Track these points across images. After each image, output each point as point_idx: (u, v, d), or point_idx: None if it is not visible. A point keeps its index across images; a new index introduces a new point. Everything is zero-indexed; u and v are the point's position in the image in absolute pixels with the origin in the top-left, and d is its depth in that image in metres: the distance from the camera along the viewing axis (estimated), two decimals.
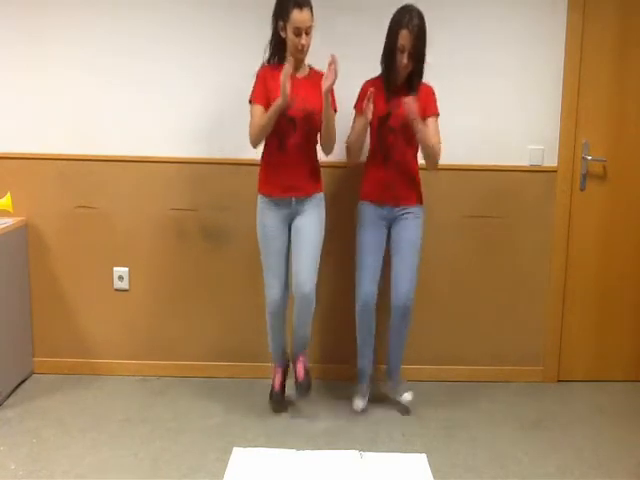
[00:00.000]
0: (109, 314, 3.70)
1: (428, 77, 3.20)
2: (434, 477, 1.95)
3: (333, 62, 2.90)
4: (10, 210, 3.44)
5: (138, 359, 3.73)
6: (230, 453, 2.06)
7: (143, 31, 3.48)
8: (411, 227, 3.22)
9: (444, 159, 3.40)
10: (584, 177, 3.66)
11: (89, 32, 3.48)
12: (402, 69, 3.08)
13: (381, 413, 3.36)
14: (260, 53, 3.23)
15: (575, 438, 3.19)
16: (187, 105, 3.54)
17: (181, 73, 3.52)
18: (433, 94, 3.19)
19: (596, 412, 3.47)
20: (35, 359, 3.73)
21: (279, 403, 3.32)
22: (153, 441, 3.05)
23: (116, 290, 3.69)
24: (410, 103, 3.00)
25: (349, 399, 3.39)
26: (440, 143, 3.17)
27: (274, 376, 3.37)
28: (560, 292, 3.73)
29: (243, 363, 3.72)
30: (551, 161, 3.63)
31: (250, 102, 3.08)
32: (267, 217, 3.14)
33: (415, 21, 3.02)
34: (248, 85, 3.23)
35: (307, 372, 3.29)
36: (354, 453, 2.07)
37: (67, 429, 3.14)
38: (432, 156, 3.16)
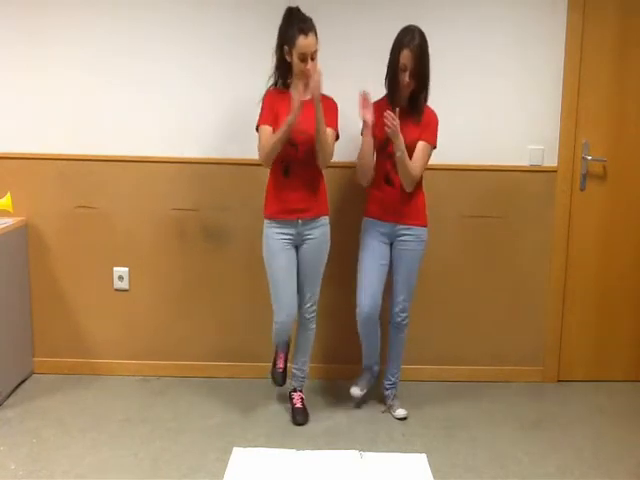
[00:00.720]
0: (109, 314, 3.70)
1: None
2: (434, 477, 1.95)
3: (315, 74, 2.92)
4: (10, 210, 3.44)
5: (138, 359, 3.73)
6: (230, 453, 2.06)
7: (143, 31, 3.48)
8: (411, 253, 3.22)
9: (444, 159, 3.42)
10: (584, 177, 3.66)
11: (89, 32, 3.48)
12: (404, 88, 3.09)
13: (381, 413, 3.36)
14: (260, 53, 3.23)
15: (575, 438, 3.19)
16: (187, 105, 3.54)
17: (181, 73, 3.52)
18: (436, 123, 3.16)
19: (596, 412, 3.47)
20: (35, 359, 3.73)
21: (282, 379, 3.30)
22: (153, 441, 3.05)
23: (116, 290, 3.69)
24: (390, 118, 2.95)
25: (349, 399, 3.39)
26: (420, 169, 3.12)
27: (276, 358, 3.34)
28: (560, 292, 3.73)
29: (243, 363, 3.72)
30: (551, 161, 3.63)
31: (257, 127, 3.07)
32: (273, 239, 3.12)
33: (416, 41, 3.03)
34: (249, 85, 3.25)
35: (304, 403, 3.32)
36: (354, 453, 2.07)
37: (67, 429, 3.14)
38: (406, 176, 3.09)
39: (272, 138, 2.99)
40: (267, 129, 3.04)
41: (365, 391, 3.38)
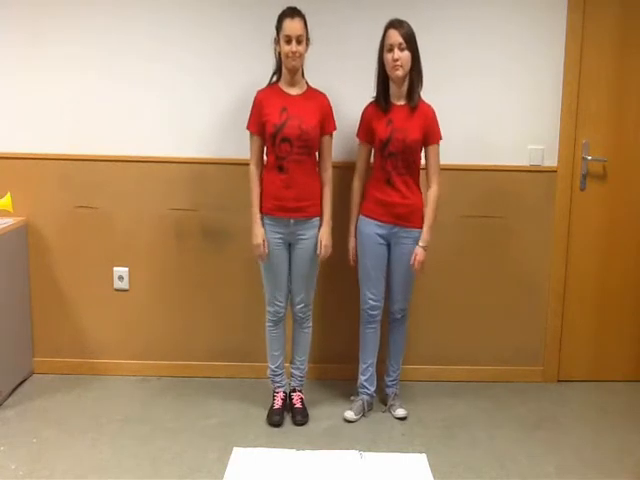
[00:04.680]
0: (109, 314, 3.70)
1: (428, 76, 3.19)
2: (434, 477, 1.95)
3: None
4: (10, 210, 3.44)
5: (138, 359, 3.73)
6: (230, 453, 2.06)
7: (143, 31, 3.48)
8: (410, 255, 3.20)
9: (444, 159, 3.41)
10: (584, 177, 3.66)
11: (89, 32, 3.48)
12: (392, 69, 3.06)
13: (381, 413, 3.36)
14: (260, 54, 3.25)
15: (575, 438, 3.19)
16: (187, 105, 3.54)
17: (180, 73, 3.52)
18: (435, 118, 3.17)
19: (596, 412, 3.47)
20: (35, 359, 3.73)
21: (278, 419, 3.23)
22: (153, 441, 3.05)
23: (116, 290, 3.69)
24: (419, 255, 3.16)
25: (349, 398, 3.39)
26: (438, 172, 3.18)
27: (275, 396, 3.31)
28: (560, 292, 3.73)
29: (243, 363, 3.72)
30: (551, 161, 3.63)
31: (247, 128, 3.15)
32: (267, 234, 3.15)
33: (404, 24, 3.05)
34: (248, 85, 3.25)
35: (304, 403, 3.31)
36: (354, 453, 2.07)
37: (67, 429, 3.14)
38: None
39: (251, 187, 3.17)
40: (255, 141, 3.14)
41: (360, 416, 3.29)
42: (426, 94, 3.19)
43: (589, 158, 3.63)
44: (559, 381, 3.80)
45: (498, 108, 3.57)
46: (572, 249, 3.71)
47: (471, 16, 3.49)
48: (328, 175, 3.20)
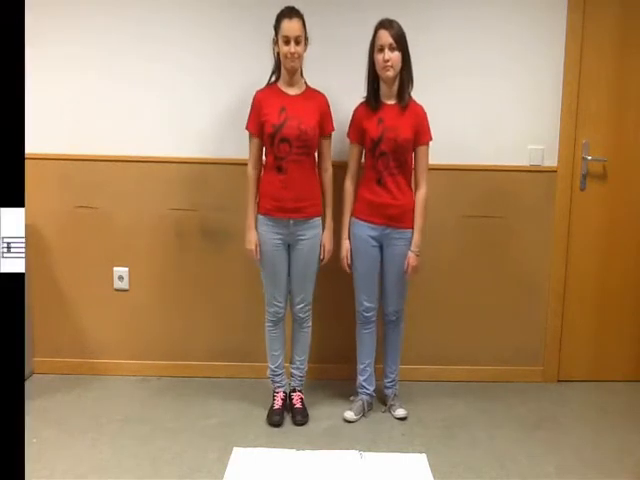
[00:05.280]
0: (109, 314, 3.70)
1: (427, 76, 3.19)
2: (434, 477, 1.95)
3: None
4: None
5: (138, 359, 3.73)
6: (230, 453, 2.07)
7: (143, 31, 3.48)
8: (403, 257, 3.19)
9: (444, 159, 3.42)
10: (584, 177, 3.66)
11: (89, 32, 3.48)
12: (383, 69, 3.05)
13: (381, 413, 3.36)
14: (260, 54, 3.25)
15: (575, 438, 3.18)
16: (187, 105, 3.54)
17: (181, 73, 3.52)
18: (426, 118, 3.16)
19: (596, 412, 3.47)
20: (35, 359, 3.73)
21: (279, 420, 3.22)
22: (153, 441, 3.05)
23: (116, 290, 3.69)
24: (412, 260, 3.17)
25: (348, 398, 3.39)
26: (426, 172, 3.18)
27: (275, 396, 3.31)
28: (560, 292, 3.73)
29: (243, 363, 3.72)
30: (551, 161, 3.63)
31: (247, 128, 3.15)
32: (266, 235, 3.15)
33: (394, 24, 3.04)
34: (248, 85, 3.25)
35: (304, 403, 3.30)
36: (354, 453, 2.08)
37: (67, 429, 3.14)
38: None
39: (248, 190, 3.18)
40: (254, 143, 3.15)
41: (360, 416, 3.29)
42: (425, 94, 3.19)
43: (589, 158, 3.63)
44: (559, 381, 3.80)
45: (498, 108, 3.57)
46: (572, 249, 3.71)
47: (471, 16, 3.49)
48: (328, 176, 3.20)
